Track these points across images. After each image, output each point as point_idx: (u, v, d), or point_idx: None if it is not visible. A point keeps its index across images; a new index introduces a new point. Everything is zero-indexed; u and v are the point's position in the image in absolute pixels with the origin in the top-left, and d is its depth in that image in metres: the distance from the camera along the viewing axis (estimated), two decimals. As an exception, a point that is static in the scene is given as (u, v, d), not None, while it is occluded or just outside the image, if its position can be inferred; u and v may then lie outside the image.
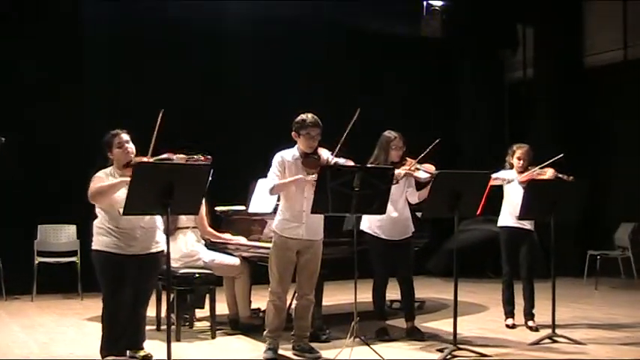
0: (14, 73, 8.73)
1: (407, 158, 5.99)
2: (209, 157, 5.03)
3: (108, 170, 4.90)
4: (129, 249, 4.81)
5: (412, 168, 5.86)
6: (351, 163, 5.28)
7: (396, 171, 5.68)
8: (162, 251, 4.98)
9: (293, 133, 5.27)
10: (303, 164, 5.21)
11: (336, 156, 5.21)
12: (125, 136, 4.91)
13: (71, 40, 8.97)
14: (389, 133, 6.04)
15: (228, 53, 9.82)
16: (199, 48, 9.66)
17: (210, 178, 6.13)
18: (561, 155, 6.24)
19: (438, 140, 5.66)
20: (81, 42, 9.08)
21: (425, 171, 5.85)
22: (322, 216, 5.24)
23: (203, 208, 6.20)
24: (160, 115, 4.58)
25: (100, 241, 4.83)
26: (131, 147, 4.91)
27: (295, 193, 5.21)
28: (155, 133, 4.64)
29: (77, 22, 8.96)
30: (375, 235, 6.03)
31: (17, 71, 8.74)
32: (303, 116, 5.24)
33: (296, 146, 5.31)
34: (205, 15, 9.49)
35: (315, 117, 5.23)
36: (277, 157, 5.27)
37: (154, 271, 5.07)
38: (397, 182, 5.81)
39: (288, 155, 5.27)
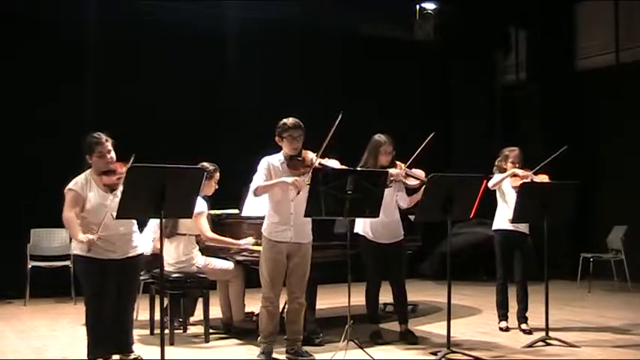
0: (11, 76, 8.71)
1: (396, 162, 6.00)
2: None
3: (83, 177, 4.86)
4: (108, 254, 4.81)
5: (402, 174, 5.88)
6: (336, 163, 5.35)
7: (391, 173, 5.74)
8: (142, 254, 5.05)
9: (276, 138, 5.34)
10: (289, 167, 5.27)
11: (320, 157, 5.25)
12: (109, 146, 4.89)
13: (71, 44, 8.95)
14: (379, 137, 6.04)
15: (221, 57, 9.85)
16: (197, 52, 9.65)
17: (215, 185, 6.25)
18: (564, 148, 6.25)
19: (431, 135, 5.70)
20: (80, 45, 9.07)
21: (414, 177, 5.88)
22: (310, 219, 5.28)
23: (204, 219, 6.19)
24: (132, 158, 4.63)
25: (80, 246, 4.81)
26: (112, 156, 4.90)
27: (282, 197, 5.25)
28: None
29: (77, 25, 8.94)
30: (368, 238, 6.05)
31: (14, 74, 8.72)
32: (284, 120, 5.31)
33: (281, 151, 5.35)
34: (202, 19, 9.50)
35: (297, 119, 5.29)
36: (263, 162, 5.33)
37: (135, 275, 5.12)
38: (388, 186, 5.84)
39: (274, 160, 5.32)
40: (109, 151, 4.87)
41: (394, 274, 6.18)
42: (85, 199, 4.78)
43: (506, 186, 6.52)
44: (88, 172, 4.89)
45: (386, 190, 5.81)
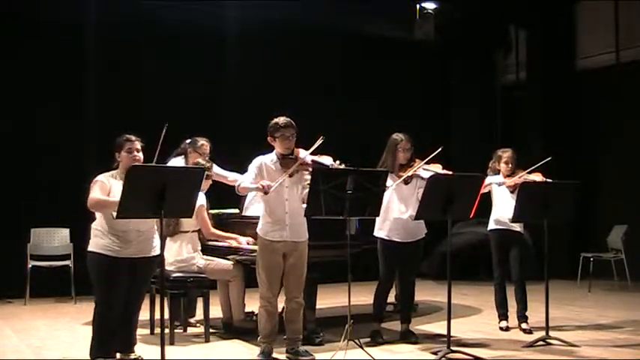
0: (12, 77, 8.70)
1: (415, 159, 5.99)
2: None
3: (110, 174, 4.94)
4: (122, 252, 4.82)
5: (417, 168, 5.88)
6: (329, 159, 5.36)
7: (398, 178, 5.74)
8: (159, 255, 4.99)
9: (269, 138, 5.33)
10: (281, 166, 5.27)
11: (312, 154, 5.26)
12: (138, 145, 4.96)
13: (71, 44, 8.96)
14: (396, 136, 6.05)
15: (221, 57, 9.85)
16: (197, 51, 9.65)
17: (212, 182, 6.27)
18: (549, 159, 6.27)
19: (439, 149, 5.71)
20: (80, 45, 9.08)
21: (429, 171, 5.85)
22: (305, 218, 5.28)
23: (205, 211, 6.22)
24: (165, 129, 4.72)
25: (95, 243, 4.87)
26: (139, 156, 4.95)
27: (276, 196, 5.24)
28: (159, 144, 4.81)
29: (77, 25, 8.94)
30: (387, 238, 6.01)
31: (14, 74, 8.71)
32: (276, 119, 5.32)
33: (274, 151, 5.35)
34: (202, 19, 9.52)
35: (288, 118, 5.30)
36: (256, 161, 5.35)
37: (148, 275, 5.09)
38: (407, 183, 5.90)
39: (267, 159, 5.34)
40: (137, 150, 4.94)
41: (406, 273, 6.17)
42: (109, 189, 4.83)
43: (496, 187, 6.53)
44: (113, 171, 4.97)
45: (405, 186, 5.90)
